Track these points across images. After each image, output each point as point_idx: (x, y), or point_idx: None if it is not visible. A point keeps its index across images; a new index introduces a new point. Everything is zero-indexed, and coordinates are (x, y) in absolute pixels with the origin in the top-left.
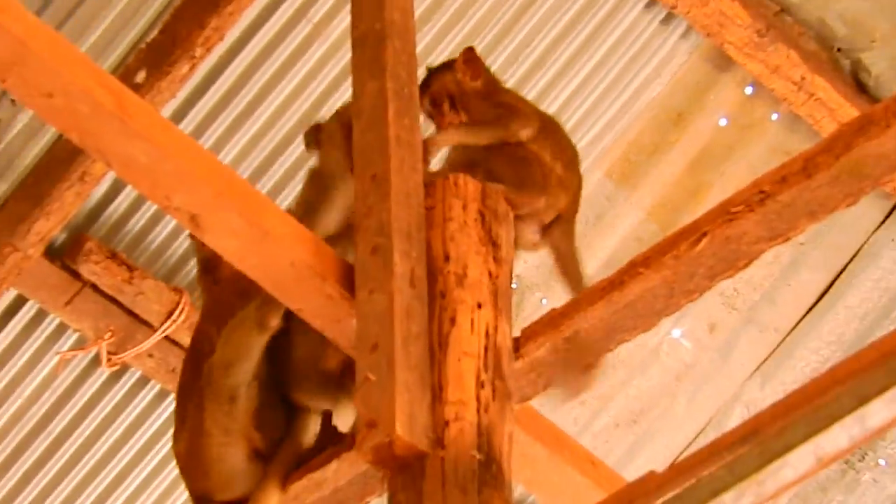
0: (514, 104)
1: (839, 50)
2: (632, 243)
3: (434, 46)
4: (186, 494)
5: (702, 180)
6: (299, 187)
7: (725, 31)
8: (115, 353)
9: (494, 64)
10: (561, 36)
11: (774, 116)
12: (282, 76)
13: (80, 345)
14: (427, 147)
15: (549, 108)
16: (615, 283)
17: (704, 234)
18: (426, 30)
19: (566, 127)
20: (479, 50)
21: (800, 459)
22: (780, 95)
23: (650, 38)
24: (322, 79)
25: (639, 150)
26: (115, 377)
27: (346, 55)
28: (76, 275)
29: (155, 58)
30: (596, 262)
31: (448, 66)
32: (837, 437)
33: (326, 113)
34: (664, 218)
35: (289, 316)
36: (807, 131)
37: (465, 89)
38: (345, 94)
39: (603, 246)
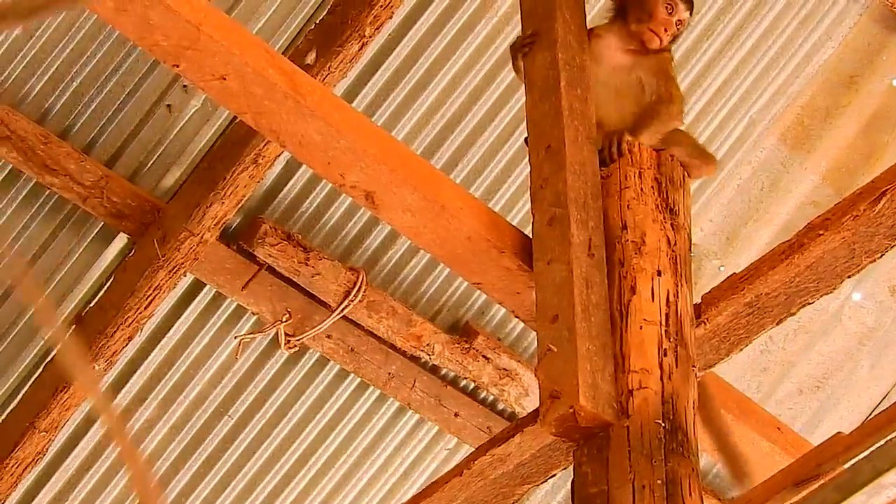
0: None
1: None
2: (808, 208)
3: (602, 15)
4: (371, 473)
5: (876, 141)
6: (474, 161)
7: None
8: (293, 335)
9: None
10: (729, 2)
11: None
12: (452, 51)
13: (258, 328)
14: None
15: (720, 75)
16: (795, 246)
17: (884, 193)
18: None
19: (738, 95)
20: None
21: None
22: None
23: (819, 1)
24: (492, 53)
25: (812, 115)
26: (295, 359)
27: (515, 28)
28: (252, 258)
29: (325, 38)
30: (773, 228)
31: None
32: None
33: (498, 89)
34: (840, 181)
35: None
36: None
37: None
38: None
39: (779, 211)
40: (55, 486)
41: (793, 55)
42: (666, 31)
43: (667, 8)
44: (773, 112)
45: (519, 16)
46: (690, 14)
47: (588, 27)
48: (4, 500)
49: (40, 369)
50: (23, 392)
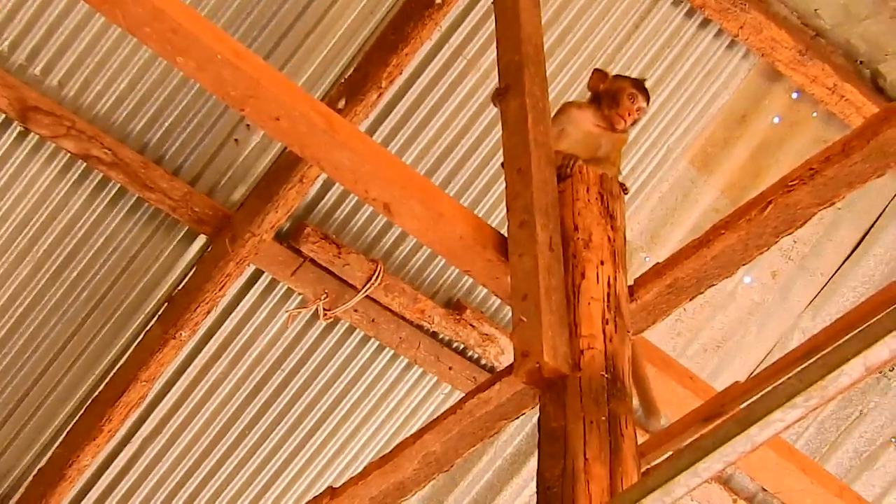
0: None
1: (861, 63)
2: (710, 213)
3: (558, 72)
4: (386, 412)
5: (761, 165)
6: (463, 179)
7: (775, 52)
8: (329, 310)
9: None
10: (651, 62)
11: (815, 114)
12: (447, 98)
13: (302, 305)
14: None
15: (646, 115)
16: (703, 242)
17: (770, 203)
18: (551, 60)
19: (658, 129)
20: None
21: (853, 369)
22: (819, 98)
23: (718, 60)
24: (476, 99)
25: (714, 144)
26: (329, 328)
27: (492, 81)
28: (298, 252)
29: (352, 89)
30: (684, 229)
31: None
32: (880, 351)
33: (481, 125)
34: (734, 194)
35: None
36: (839, 125)
37: None
38: (493, 111)
39: (689, 217)
40: (151, 425)
41: (699, 100)
42: (629, 115)
43: (630, 99)
44: (685, 142)
45: (496, 72)
46: (647, 104)
47: (572, 100)
48: (115, 433)
49: (142, 335)
50: (129, 351)
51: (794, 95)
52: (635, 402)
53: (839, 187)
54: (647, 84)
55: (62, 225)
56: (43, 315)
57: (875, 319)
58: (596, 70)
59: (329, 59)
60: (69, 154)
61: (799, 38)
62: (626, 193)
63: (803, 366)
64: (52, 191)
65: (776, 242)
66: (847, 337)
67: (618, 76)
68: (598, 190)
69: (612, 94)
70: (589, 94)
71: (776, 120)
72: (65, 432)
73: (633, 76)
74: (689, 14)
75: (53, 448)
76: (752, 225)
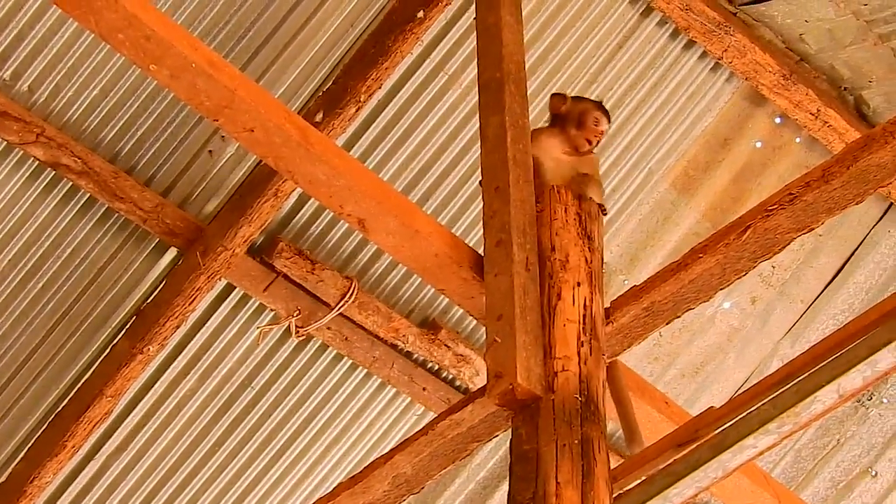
0: None
1: (845, 89)
2: (691, 237)
3: (540, 90)
4: (358, 432)
5: (743, 189)
6: (441, 197)
7: (759, 75)
8: (301, 327)
9: None
10: (634, 83)
11: (797, 139)
12: (425, 114)
13: (275, 321)
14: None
15: (626, 137)
16: (681, 265)
17: (748, 227)
18: (533, 78)
19: (640, 151)
20: (572, 93)
21: (826, 396)
22: (802, 124)
23: (702, 82)
24: (456, 115)
25: (695, 167)
26: (302, 346)
27: (473, 98)
28: (271, 267)
29: (330, 102)
30: (664, 252)
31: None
32: (854, 379)
33: (460, 142)
34: (715, 218)
35: None
36: (822, 151)
37: None
38: (473, 127)
39: (669, 239)
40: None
41: (682, 122)
42: (595, 137)
43: (595, 122)
44: (667, 165)
45: (477, 87)
46: (609, 125)
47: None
48: (78, 449)
49: (108, 349)
50: (95, 366)
51: (778, 120)
52: (615, 426)
53: (819, 213)
54: (630, 105)
55: (29, 234)
56: (7, 326)
57: (850, 347)
58: (554, 94)
59: (307, 71)
60: (38, 161)
61: (783, 62)
62: (604, 215)
63: (778, 392)
64: (19, 199)
65: (755, 267)
66: (822, 364)
67: (577, 98)
68: (576, 211)
69: (575, 117)
70: (549, 119)
71: (758, 144)
72: (26, 448)
73: (594, 98)
74: (674, 35)
75: (14, 464)
76: (730, 249)
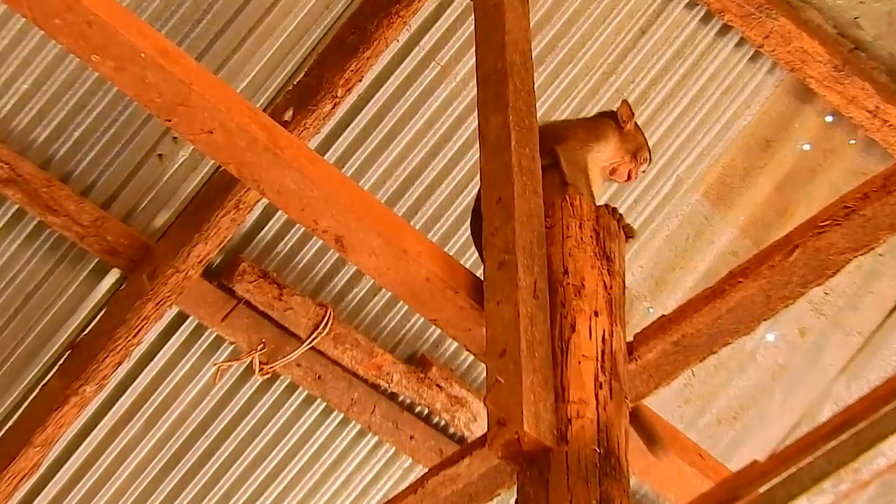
0: None
1: None
2: (728, 257)
3: (549, 84)
4: (333, 489)
5: (789, 199)
6: (432, 210)
7: (807, 66)
8: (266, 363)
9: (602, 100)
10: (660, 74)
11: (852, 141)
12: (414, 112)
13: (235, 356)
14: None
15: (652, 138)
16: (717, 292)
17: (796, 247)
18: (541, 69)
19: (667, 156)
20: (587, 88)
21: (891, 448)
22: (857, 122)
23: (740, 74)
24: (450, 113)
25: (732, 174)
26: (267, 385)
27: (470, 93)
28: (231, 293)
29: (301, 98)
30: (696, 275)
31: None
32: None
33: (455, 145)
34: (756, 234)
35: None
36: (882, 154)
37: None
38: (471, 127)
39: (702, 260)
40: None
41: (716, 121)
42: (636, 176)
43: (644, 162)
44: (698, 171)
45: (475, 81)
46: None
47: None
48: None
49: (37, 389)
50: (21, 409)
51: (829, 118)
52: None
53: (879, 230)
54: (656, 101)
55: None
56: None
57: None
58: (626, 102)
59: (275, 61)
60: None
61: (835, 50)
62: (629, 238)
63: (834, 443)
64: None
65: (804, 294)
66: (887, 409)
67: (638, 126)
68: (594, 227)
69: (632, 144)
70: (606, 120)
71: (806, 147)
72: None
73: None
74: (706, 19)
75: None
76: (775, 272)
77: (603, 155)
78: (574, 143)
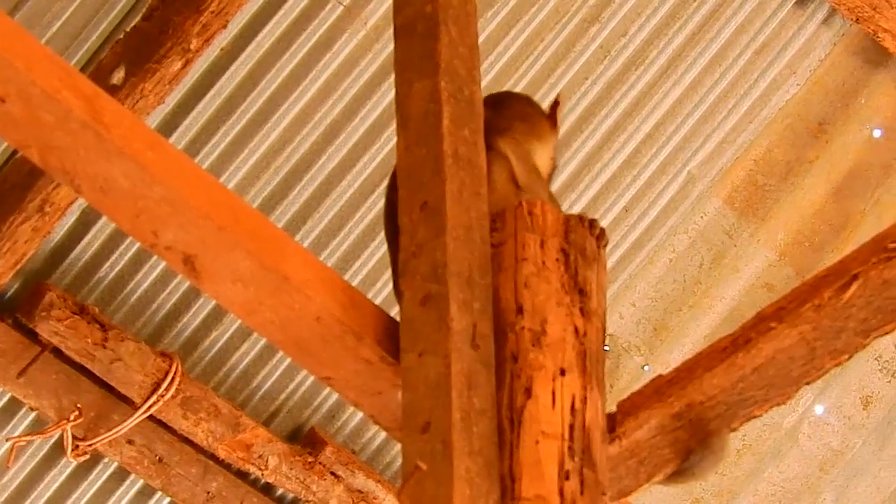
0: None
1: None
2: (760, 292)
3: (501, 36)
4: None
5: (850, 209)
6: (328, 219)
7: (879, 15)
8: (83, 439)
9: (580, 57)
10: (665, 23)
11: None
12: (303, 75)
13: (37, 428)
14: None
15: (652, 116)
16: (740, 342)
17: (855, 277)
18: (490, 14)
19: (673, 142)
20: (557, 42)
21: None
22: None
23: (782, 24)
24: (356, 78)
25: (768, 171)
26: (85, 469)
27: (387, 47)
28: (33, 336)
29: (137, 52)
30: (715, 316)
31: None
32: None
33: (363, 123)
34: (801, 259)
35: None
36: None
37: None
38: (386, 99)
39: (723, 295)
40: None
41: (745, 94)
42: None
43: None
44: (719, 166)
45: (392, 31)
46: None
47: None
48: None
49: None
50: None
51: None
52: None
53: None
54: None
55: None
56: None
57: None
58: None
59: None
60: None
61: None
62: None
63: None
64: None
65: (865, 346)
66: None
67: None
68: (561, 245)
69: (557, 156)
70: (540, 116)
71: (877, 133)
72: None
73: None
74: None
75: None
76: (823, 315)
77: (538, 160)
78: (518, 136)
